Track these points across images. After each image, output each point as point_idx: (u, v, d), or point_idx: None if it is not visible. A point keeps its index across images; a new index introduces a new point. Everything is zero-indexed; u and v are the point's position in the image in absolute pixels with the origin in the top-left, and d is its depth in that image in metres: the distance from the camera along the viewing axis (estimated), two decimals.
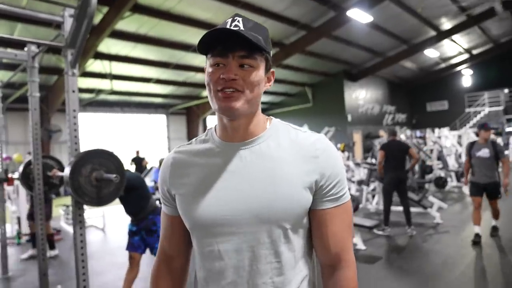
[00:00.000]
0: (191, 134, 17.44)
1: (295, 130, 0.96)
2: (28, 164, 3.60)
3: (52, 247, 5.28)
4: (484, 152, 4.77)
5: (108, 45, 10.26)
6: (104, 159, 2.47)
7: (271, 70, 0.95)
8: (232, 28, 0.83)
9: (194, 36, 10.83)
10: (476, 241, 4.74)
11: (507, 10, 13.31)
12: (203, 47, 0.88)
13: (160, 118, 17.05)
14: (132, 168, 11.84)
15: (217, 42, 0.85)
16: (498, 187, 4.82)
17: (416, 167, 9.30)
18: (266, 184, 0.87)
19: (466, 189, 5.35)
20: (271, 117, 1.01)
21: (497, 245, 4.75)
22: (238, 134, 0.92)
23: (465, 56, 20.15)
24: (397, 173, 5.58)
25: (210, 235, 0.91)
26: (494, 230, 5.11)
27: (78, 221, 2.38)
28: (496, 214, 5.03)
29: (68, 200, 8.02)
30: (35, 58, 3.15)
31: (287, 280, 0.90)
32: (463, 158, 10.39)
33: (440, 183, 9.56)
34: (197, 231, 0.93)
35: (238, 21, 0.85)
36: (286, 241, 0.89)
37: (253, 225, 0.87)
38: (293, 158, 0.90)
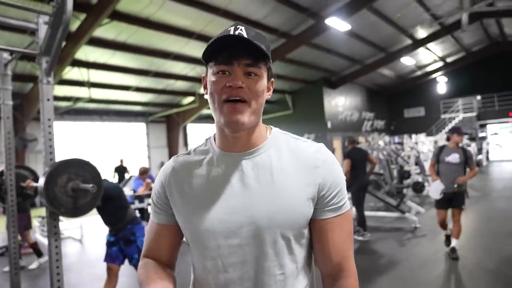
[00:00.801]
0: (171, 142, 17.25)
1: (295, 139, 0.96)
2: (0, 174, 3.49)
3: (39, 254, 5.22)
4: (454, 158, 4.44)
5: (86, 53, 10.09)
6: (80, 168, 2.42)
7: (271, 79, 0.95)
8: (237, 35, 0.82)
9: (173, 43, 10.78)
10: (449, 244, 4.69)
11: (473, 23, 13.48)
12: (206, 55, 0.86)
13: (140, 127, 16.81)
14: (115, 177, 11.71)
15: (221, 49, 0.84)
16: (464, 197, 4.44)
17: (395, 173, 9.47)
18: (268, 196, 0.87)
19: (429, 191, 4.71)
20: (271, 126, 1.01)
21: (471, 248, 4.87)
22: (239, 145, 0.91)
23: (440, 64, 20.82)
24: (364, 178, 5.74)
25: (213, 248, 0.88)
26: (453, 253, 4.43)
27: (53, 233, 2.31)
28: (457, 231, 4.46)
29: (44, 211, 7.78)
30: (8, 66, 3.06)
31: None
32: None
33: (418, 188, 9.78)
34: (200, 243, 0.91)
35: (241, 30, 0.84)
36: (289, 252, 0.89)
37: (257, 237, 0.86)
38: (294, 169, 0.90)
